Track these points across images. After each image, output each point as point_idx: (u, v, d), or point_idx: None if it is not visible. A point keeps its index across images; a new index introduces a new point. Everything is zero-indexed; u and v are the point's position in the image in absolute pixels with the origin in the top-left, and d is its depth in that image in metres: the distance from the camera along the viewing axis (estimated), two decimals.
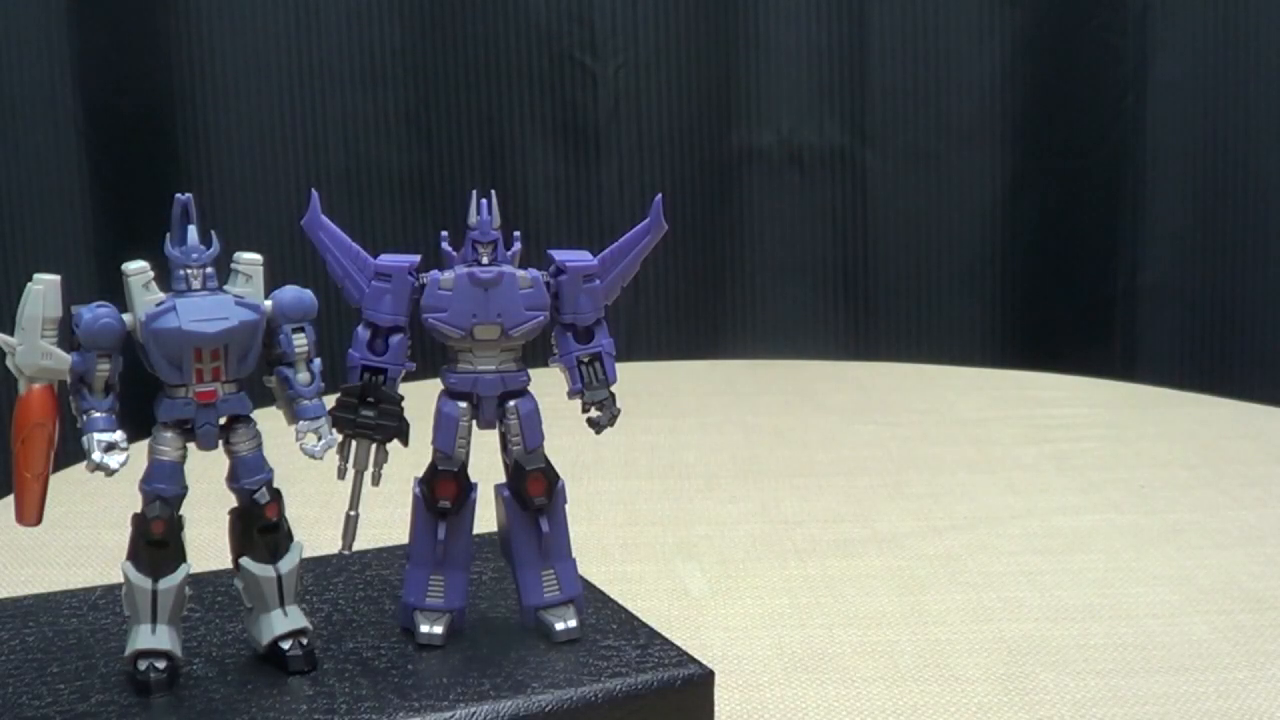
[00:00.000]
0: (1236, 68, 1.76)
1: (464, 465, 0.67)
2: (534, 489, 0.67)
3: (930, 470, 1.20)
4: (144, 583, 0.63)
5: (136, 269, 0.62)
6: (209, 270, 0.63)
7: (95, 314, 0.61)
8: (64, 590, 0.74)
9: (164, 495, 0.63)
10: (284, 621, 0.65)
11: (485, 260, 0.66)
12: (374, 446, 0.66)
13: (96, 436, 0.61)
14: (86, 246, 1.66)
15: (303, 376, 0.65)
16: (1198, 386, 1.64)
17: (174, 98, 1.65)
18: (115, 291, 0.63)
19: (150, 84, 1.66)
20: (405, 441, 0.67)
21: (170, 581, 0.63)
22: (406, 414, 0.66)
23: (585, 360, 0.68)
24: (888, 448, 1.27)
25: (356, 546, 0.68)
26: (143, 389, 0.64)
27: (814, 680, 0.82)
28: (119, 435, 0.61)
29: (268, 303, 0.64)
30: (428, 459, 0.67)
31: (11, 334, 0.60)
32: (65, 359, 0.61)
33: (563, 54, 1.71)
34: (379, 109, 1.71)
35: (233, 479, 0.65)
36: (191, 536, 0.64)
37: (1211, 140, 1.78)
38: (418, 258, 0.66)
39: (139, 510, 0.63)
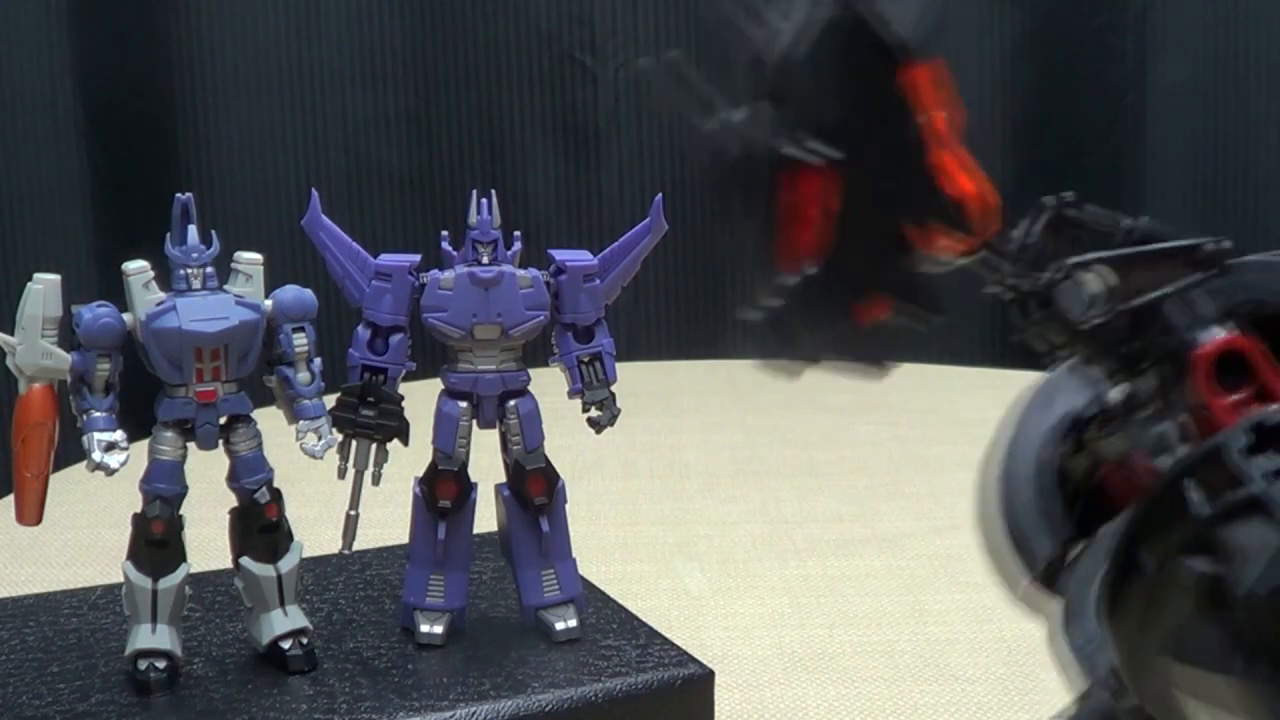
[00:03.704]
0: (1236, 68, 1.76)
1: (464, 465, 0.67)
2: (534, 489, 0.67)
3: (930, 470, 1.20)
4: (144, 582, 0.63)
5: (136, 269, 0.62)
6: (209, 270, 0.63)
7: (95, 314, 0.61)
8: (64, 590, 0.74)
9: (164, 495, 0.63)
10: (284, 621, 0.65)
11: (485, 260, 0.66)
12: (374, 446, 0.66)
13: (96, 436, 0.61)
14: (86, 246, 1.66)
15: (303, 376, 0.65)
16: None
17: (174, 97, 1.65)
18: (115, 291, 0.63)
19: (150, 84, 1.66)
20: (405, 441, 0.67)
21: (170, 581, 0.63)
22: (406, 414, 0.66)
23: (585, 360, 0.68)
24: (888, 448, 1.27)
25: (356, 546, 0.68)
26: (143, 389, 0.64)
27: (814, 680, 0.82)
28: (119, 435, 0.61)
29: (268, 302, 0.64)
30: (428, 459, 0.67)
31: (11, 334, 0.60)
32: (65, 358, 0.61)
33: (563, 54, 1.71)
34: (379, 109, 1.71)
35: (233, 479, 0.65)
36: (191, 536, 0.64)
37: (1211, 140, 1.78)
38: (418, 257, 0.67)
39: (139, 510, 0.63)
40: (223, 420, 0.64)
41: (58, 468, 0.62)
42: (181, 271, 0.62)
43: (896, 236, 0.39)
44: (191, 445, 0.64)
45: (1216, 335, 0.38)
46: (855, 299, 0.39)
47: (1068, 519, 0.44)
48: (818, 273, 0.38)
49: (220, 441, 0.64)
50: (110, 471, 0.61)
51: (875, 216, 0.39)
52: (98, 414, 0.61)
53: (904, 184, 0.39)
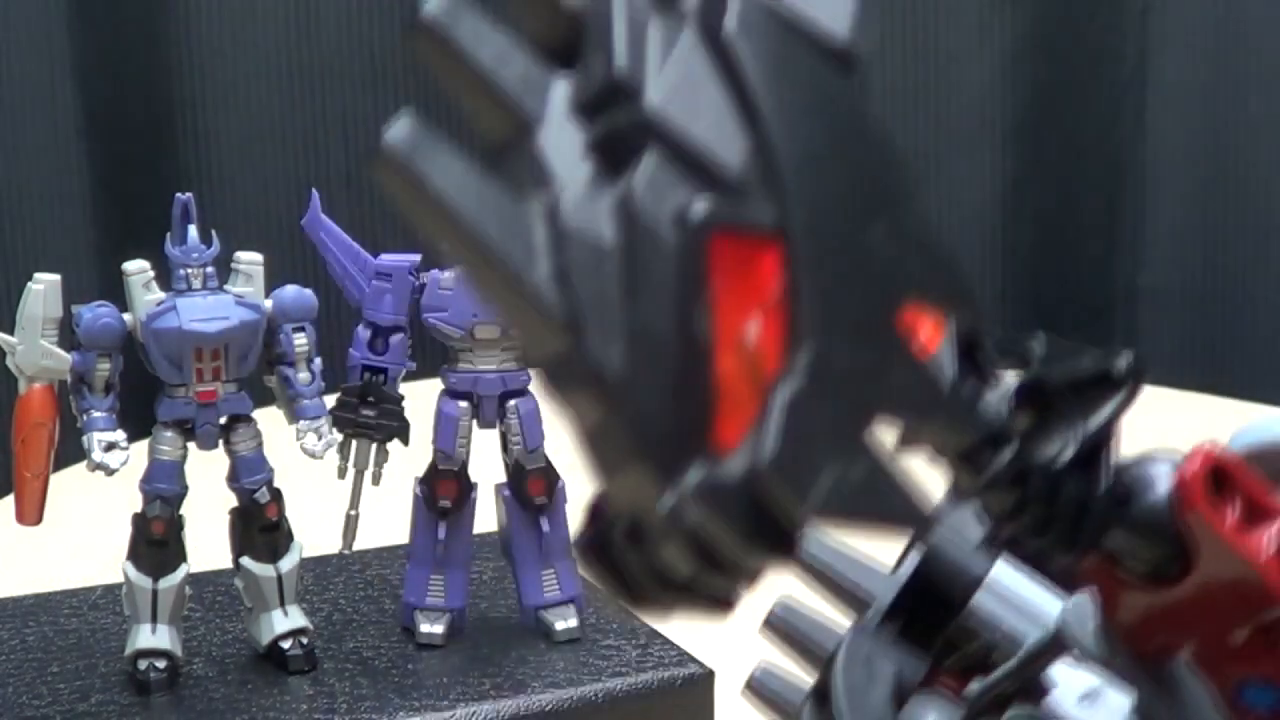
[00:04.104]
0: (1237, 68, 1.76)
1: (464, 465, 0.67)
2: (534, 489, 0.67)
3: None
4: (144, 582, 0.63)
5: (137, 269, 0.62)
6: (209, 270, 0.63)
7: (95, 314, 0.61)
8: (64, 590, 0.75)
9: (164, 495, 0.63)
10: (284, 621, 0.65)
11: None
12: (374, 446, 0.66)
13: (97, 436, 0.61)
14: (86, 246, 1.66)
15: (303, 376, 0.65)
16: (1198, 387, 1.64)
17: (174, 98, 1.65)
18: (115, 291, 0.63)
19: (150, 84, 1.66)
20: (405, 441, 0.67)
21: (170, 581, 0.63)
22: (406, 414, 0.66)
23: None
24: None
25: (356, 546, 0.68)
26: (143, 389, 0.64)
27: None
28: (119, 435, 0.61)
29: (268, 302, 0.64)
30: (428, 459, 0.67)
31: (11, 334, 0.60)
32: (65, 359, 0.61)
33: None
34: (379, 109, 1.71)
35: (233, 479, 0.65)
36: (191, 536, 0.64)
37: (1212, 140, 1.78)
38: (418, 257, 0.66)
39: (139, 510, 0.63)
40: (223, 420, 0.64)
41: (58, 468, 0.62)
42: (181, 271, 0.62)
43: (895, 307, 0.26)
44: (191, 445, 0.64)
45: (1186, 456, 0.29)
46: (859, 416, 0.25)
47: None
48: (809, 374, 0.24)
49: (220, 441, 0.64)
50: (110, 471, 0.61)
51: (863, 277, 0.25)
52: (98, 414, 0.61)
53: (888, 224, 0.25)
